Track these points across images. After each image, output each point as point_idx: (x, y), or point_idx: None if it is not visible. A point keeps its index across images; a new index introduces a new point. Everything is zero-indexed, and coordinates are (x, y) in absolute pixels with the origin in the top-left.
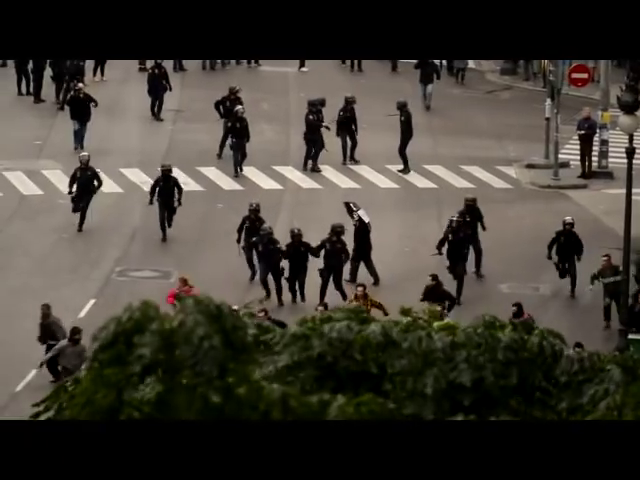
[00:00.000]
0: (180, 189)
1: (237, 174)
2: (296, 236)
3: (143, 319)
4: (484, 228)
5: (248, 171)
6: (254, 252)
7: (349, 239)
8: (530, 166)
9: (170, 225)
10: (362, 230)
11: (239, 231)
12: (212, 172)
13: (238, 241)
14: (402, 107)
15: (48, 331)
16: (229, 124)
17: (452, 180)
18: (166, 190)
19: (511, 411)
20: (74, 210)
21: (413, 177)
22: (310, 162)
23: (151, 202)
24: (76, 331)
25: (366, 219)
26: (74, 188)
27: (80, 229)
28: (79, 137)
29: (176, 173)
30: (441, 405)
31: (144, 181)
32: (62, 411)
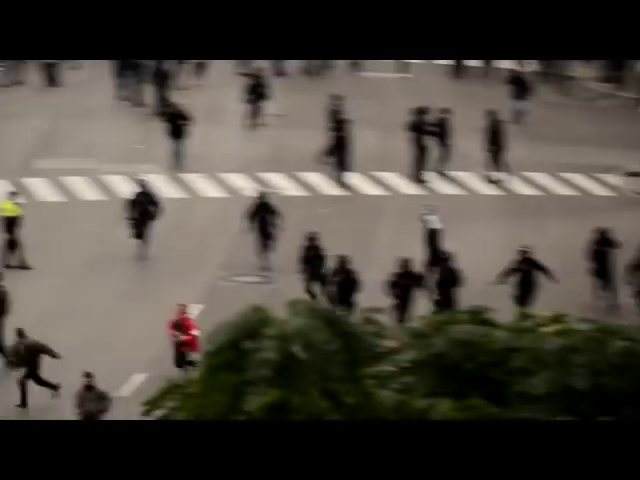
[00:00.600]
0: (277, 214)
1: (340, 183)
2: (404, 265)
3: (256, 324)
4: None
5: (351, 177)
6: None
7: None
8: (633, 174)
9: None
10: (430, 236)
11: (301, 262)
12: (314, 177)
13: (301, 272)
14: (491, 116)
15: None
16: (337, 133)
17: (554, 188)
18: (264, 216)
19: (625, 417)
20: (135, 237)
21: (515, 184)
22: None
23: (248, 229)
24: (88, 376)
25: (435, 226)
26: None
27: (145, 257)
28: (177, 155)
29: (278, 178)
30: (554, 408)
31: (246, 186)
32: (175, 411)
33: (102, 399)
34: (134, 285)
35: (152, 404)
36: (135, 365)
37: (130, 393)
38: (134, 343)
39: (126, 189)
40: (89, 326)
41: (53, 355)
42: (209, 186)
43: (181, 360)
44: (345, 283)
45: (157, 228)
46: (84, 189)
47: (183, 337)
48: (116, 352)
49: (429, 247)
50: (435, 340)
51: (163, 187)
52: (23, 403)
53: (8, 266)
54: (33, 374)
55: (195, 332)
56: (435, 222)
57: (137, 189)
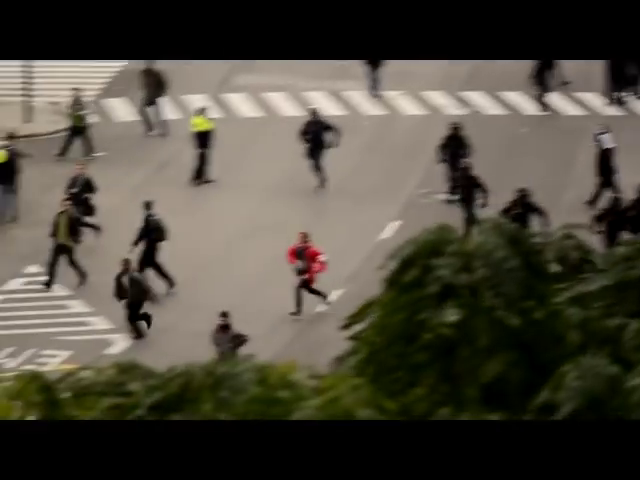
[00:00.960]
0: (468, 146)
1: (541, 103)
2: (614, 204)
3: (440, 242)
4: None
5: (552, 96)
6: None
7: None
8: None
9: None
10: (603, 156)
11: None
12: (515, 96)
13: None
14: None
15: (123, 287)
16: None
17: None
18: (455, 148)
19: None
20: (311, 166)
21: None
22: None
23: (440, 159)
24: (223, 315)
25: (608, 145)
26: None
27: (322, 185)
28: (374, 81)
29: (479, 97)
30: None
31: (446, 104)
32: (369, 328)
33: (237, 339)
34: (331, 202)
35: (352, 319)
36: (334, 281)
37: (328, 309)
38: (332, 259)
39: (325, 105)
40: (285, 243)
41: (150, 298)
42: (409, 104)
43: (303, 287)
44: (524, 216)
45: (325, 157)
46: (283, 105)
47: (302, 266)
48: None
49: (601, 167)
50: (638, 262)
51: (363, 104)
52: (138, 335)
53: (198, 182)
54: (134, 309)
55: (322, 259)
56: (608, 142)
57: (309, 117)
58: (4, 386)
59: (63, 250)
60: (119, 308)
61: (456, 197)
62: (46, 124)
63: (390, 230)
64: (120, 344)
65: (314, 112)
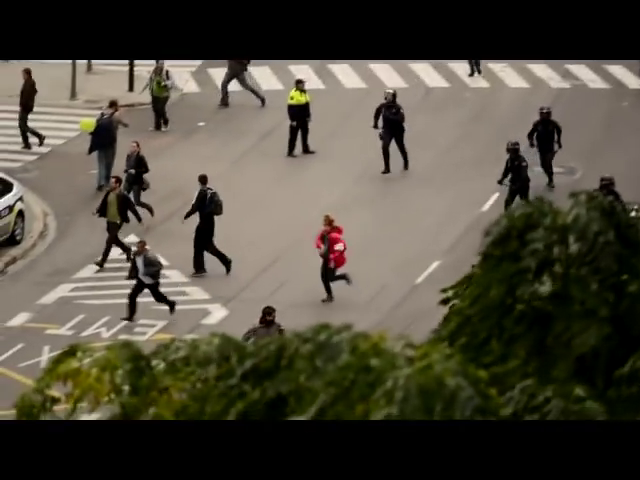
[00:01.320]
0: (560, 131)
1: None
2: None
3: (536, 214)
4: None
5: None
6: None
7: None
8: None
9: None
10: None
11: (505, 172)
12: (618, 70)
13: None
14: None
15: (135, 267)
16: None
17: None
18: (546, 135)
19: None
20: (383, 149)
21: None
22: None
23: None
24: (268, 311)
25: None
26: (380, 124)
27: (406, 167)
28: (474, 64)
29: (582, 69)
30: None
31: (550, 77)
32: (460, 299)
33: (279, 331)
34: (432, 174)
35: (449, 291)
36: (433, 253)
37: (423, 280)
38: (431, 231)
39: (428, 77)
40: (384, 214)
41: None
42: (512, 76)
43: (325, 272)
44: None
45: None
46: (387, 76)
47: (323, 250)
48: (413, 241)
49: None
50: None
51: (466, 76)
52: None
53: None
54: (155, 290)
55: (339, 247)
56: None
57: (384, 100)
58: (96, 356)
59: (111, 227)
60: (216, 279)
61: (506, 182)
62: (148, 94)
63: (490, 202)
64: (217, 314)
65: (390, 96)
